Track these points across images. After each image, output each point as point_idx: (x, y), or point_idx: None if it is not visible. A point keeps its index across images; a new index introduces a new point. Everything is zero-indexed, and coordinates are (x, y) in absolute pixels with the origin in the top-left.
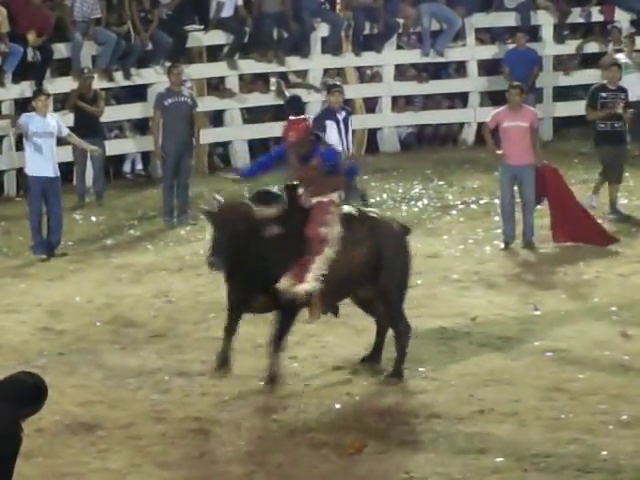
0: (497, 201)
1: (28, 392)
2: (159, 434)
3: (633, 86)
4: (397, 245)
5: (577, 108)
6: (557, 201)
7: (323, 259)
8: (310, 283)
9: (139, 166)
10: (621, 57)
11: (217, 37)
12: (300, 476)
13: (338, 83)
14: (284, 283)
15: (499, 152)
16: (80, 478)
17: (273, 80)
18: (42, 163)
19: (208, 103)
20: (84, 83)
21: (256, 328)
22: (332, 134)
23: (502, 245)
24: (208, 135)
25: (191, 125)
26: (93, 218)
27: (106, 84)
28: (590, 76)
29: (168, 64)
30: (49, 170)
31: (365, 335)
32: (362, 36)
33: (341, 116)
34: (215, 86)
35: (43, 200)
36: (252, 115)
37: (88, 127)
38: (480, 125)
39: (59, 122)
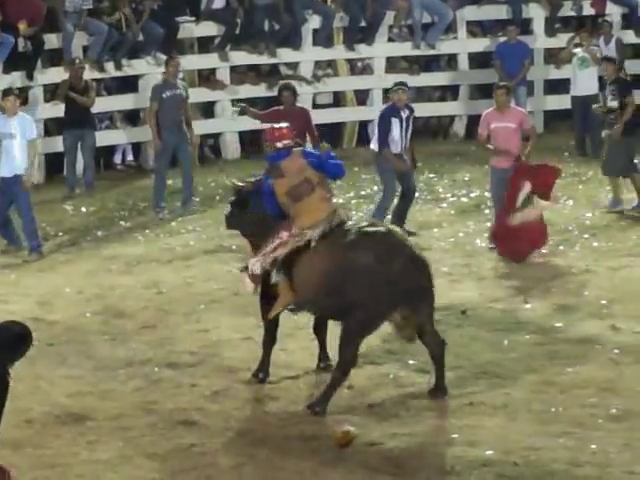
0: (488, 194)
1: (13, 338)
2: (149, 425)
3: (589, 80)
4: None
5: (568, 101)
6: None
7: (282, 246)
8: (254, 263)
9: (130, 157)
10: (579, 52)
11: (208, 28)
12: (290, 468)
13: (403, 81)
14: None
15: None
16: (69, 469)
17: (235, 107)
18: (2, 163)
19: (199, 94)
20: (75, 73)
21: (246, 319)
22: (396, 131)
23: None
24: (199, 127)
25: (185, 116)
26: (83, 209)
27: (97, 75)
28: None
29: (161, 55)
30: (8, 171)
31: None
32: (357, 28)
33: (404, 114)
34: (206, 77)
35: (7, 200)
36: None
37: (78, 117)
38: (470, 118)
39: (29, 124)
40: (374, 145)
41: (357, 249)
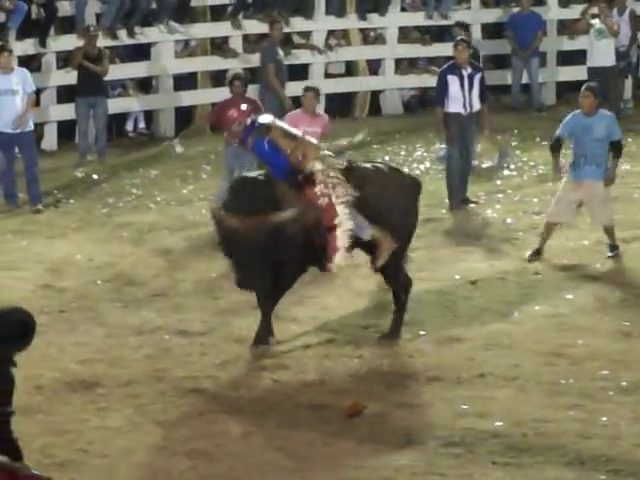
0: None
1: (12, 329)
2: (159, 393)
3: (606, 52)
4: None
5: (581, 73)
6: None
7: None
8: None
9: (142, 124)
10: (596, 23)
11: None
12: (299, 437)
13: (464, 37)
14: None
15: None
16: (79, 435)
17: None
18: (2, 119)
19: (211, 63)
20: (89, 41)
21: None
22: (454, 89)
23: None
24: (208, 95)
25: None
26: (95, 176)
27: (110, 42)
28: None
29: (173, 23)
30: (8, 126)
31: (365, 297)
32: None
33: (466, 72)
34: (218, 46)
35: (8, 154)
36: (254, 76)
37: (91, 85)
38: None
39: (28, 78)
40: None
41: (390, 178)
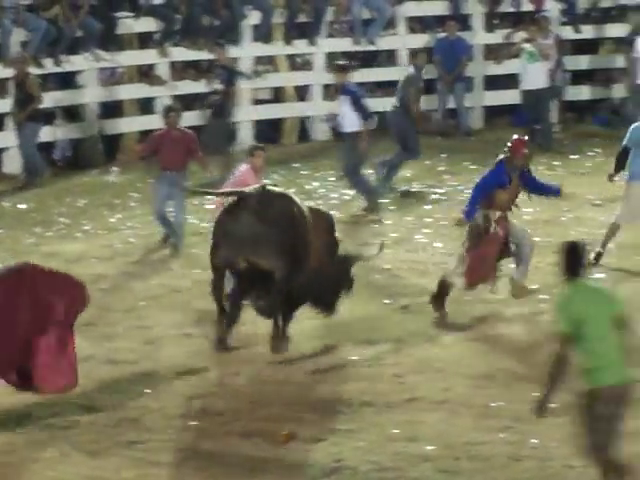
0: (430, 189)
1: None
2: (89, 422)
3: (539, 75)
4: None
5: (508, 97)
6: None
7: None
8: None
9: (68, 153)
10: (527, 46)
11: (148, 24)
12: (232, 464)
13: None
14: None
15: None
16: (9, 468)
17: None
18: None
19: (138, 91)
20: (21, 69)
21: (186, 316)
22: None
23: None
24: (135, 123)
25: None
26: (23, 205)
27: (37, 71)
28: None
29: (99, 51)
30: None
31: (295, 323)
32: (295, 24)
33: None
34: (145, 73)
35: None
36: (183, 103)
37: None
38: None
39: None
40: None
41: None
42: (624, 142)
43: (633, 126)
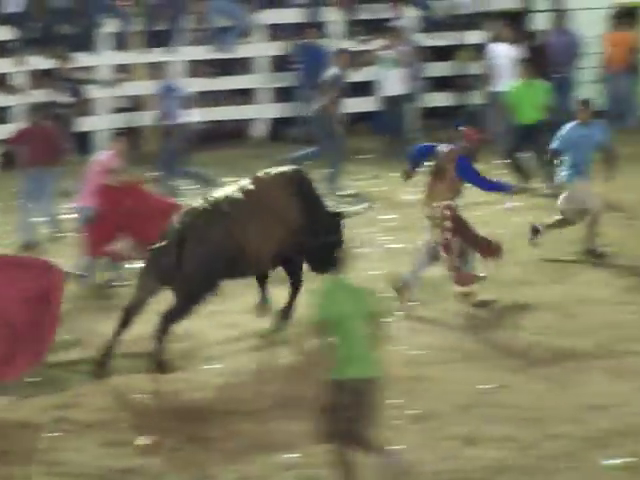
0: None
1: None
2: None
3: (398, 81)
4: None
5: (367, 104)
6: None
7: None
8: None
9: None
10: (386, 53)
11: (3, 32)
12: (90, 474)
13: None
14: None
15: None
16: None
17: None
18: None
19: None
20: None
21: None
22: None
23: None
24: None
25: None
26: None
27: None
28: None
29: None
30: None
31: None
32: (153, 32)
33: None
34: (1, 82)
35: None
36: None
37: None
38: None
39: None
40: None
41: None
42: (554, 145)
43: (565, 130)
